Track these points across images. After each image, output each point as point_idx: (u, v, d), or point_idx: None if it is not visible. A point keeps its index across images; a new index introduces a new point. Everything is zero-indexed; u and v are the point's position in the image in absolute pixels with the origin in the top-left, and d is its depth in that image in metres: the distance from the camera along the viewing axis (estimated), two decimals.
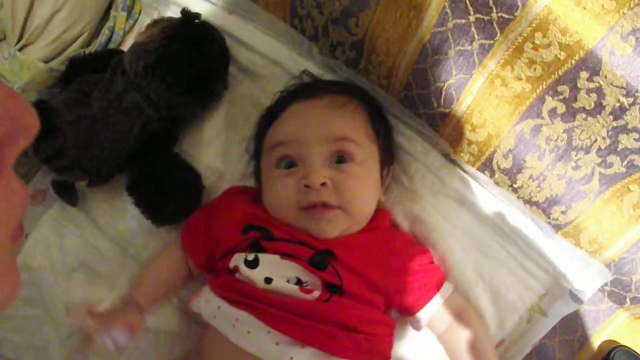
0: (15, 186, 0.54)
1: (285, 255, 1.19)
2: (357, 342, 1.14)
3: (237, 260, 1.21)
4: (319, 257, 1.18)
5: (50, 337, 1.40)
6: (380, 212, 1.34)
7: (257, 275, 1.17)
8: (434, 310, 1.24)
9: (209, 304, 1.20)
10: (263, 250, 1.20)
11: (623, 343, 1.35)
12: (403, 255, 1.25)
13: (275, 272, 1.17)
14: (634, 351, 1.33)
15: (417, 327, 1.28)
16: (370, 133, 1.29)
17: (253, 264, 1.18)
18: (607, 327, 1.36)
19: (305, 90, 1.37)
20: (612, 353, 1.34)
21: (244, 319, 1.13)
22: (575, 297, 1.27)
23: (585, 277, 1.26)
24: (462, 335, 1.23)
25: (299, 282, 1.16)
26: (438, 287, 1.26)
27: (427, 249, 1.32)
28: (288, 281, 1.16)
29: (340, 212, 1.22)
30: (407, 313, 1.26)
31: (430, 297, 1.24)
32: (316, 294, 1.15)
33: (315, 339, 1.11)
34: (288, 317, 1.12)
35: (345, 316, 1.14)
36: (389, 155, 1.36)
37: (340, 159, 1.23)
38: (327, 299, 1.14)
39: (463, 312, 1.25)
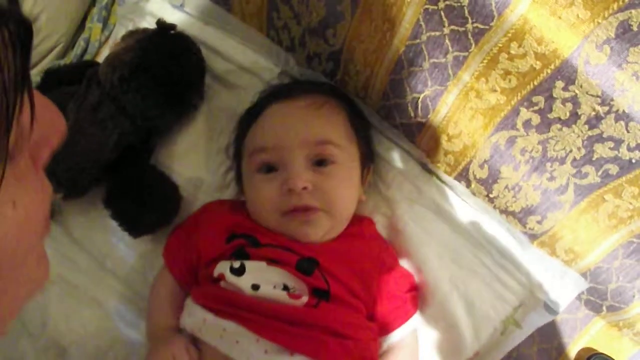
0: (44, 181, 0.60)
1: (271, 261, 1.18)
2: (347, 348, 1.13)
3: (223, 268, 1.19)
4: (305, 262, 1.18)
5: (27, 351, 1.38)
6: (365, 220, 1.35)
7: (244, 282, 1.16)
8: (394, 340, 1.26)
9: (192, 317, 1.19)
10: (248, 257, 1.19)
11: (600, 351, 1.35)
12: (389, 275, 1.26)
13: (262, 278, 1.16)
14: (612, 358, 1.33)
15: None
16: (350, 133, 1.30)
17: (239, 272, 1.17)
18: (585, 335, 1.36)
19: (283, 91, 1.37)
20: None
21: (232, 328, 1.12)
22: (549, 309, 1.27)
23: (561, 286, 1.27)
24: None
25: (285, 288, 1.15)
26: (407, 318, 1.27)
27: (410, 273, 1.33)
28: (275, 287, 1.15)
29: (322, 214, 1.22)
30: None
31: (397, 327, 1.26)
32: (304, 299, 1.14)
33: (305, 346, 1.10)
34: (276, 324, 1.11)
35: (334, 322, 1.14)
36: (369, 154, 1.37)
37: (321, 161, 1.23)
38: (316, 305, 1.14)
39: (406, 347, 1.28)
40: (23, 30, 0.48)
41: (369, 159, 1.36)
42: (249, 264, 1.18)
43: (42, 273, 0.63)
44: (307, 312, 1.14)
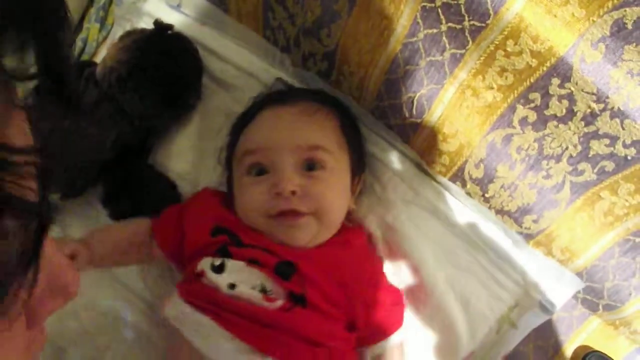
0: (38, 335, 0.55)
1: (251, 262, 1.18)
2: (318, 356, 1.14)
3: (204, 264, 1.19)
4: (283, 266, 1.17)
5: None
6: (354, 230, 1.34)
7: (221, 281, 1.16)
8: (377, 352, 1.26)
9: (175, 308, 1.19)
10: (230, 256, 1.19)
11: (597, 349, 1.35)
12: (373, 288, 1.26)
13: (240, 278, 1.16)
14: (608, 356, 1.33)
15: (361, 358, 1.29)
16: (341, 141, 1.29)
17: (219, 269, 1.17)
18: (581, 333, 1.36)
19: (276, 97, 1.37)
20: (586, 358, 1.34)
21: (207, 324, 1.12)
22: (544, 309, 1.28)
23: (557, 286, 1.28)
24: None
25: (263, 290, 1.15)
26: (392, 331, 1.27)
27: (397, 288, 1.33)
28: (253, 288, 1.15)
29: (311, 218, 1.22)
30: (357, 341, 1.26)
31: (381, 339, 1.26)
32: (279, 303, 1.14)
33: (276, 350, 1.10)
34: (250, 325, 1.11)
35: (306, 328, 1.14)
36: (360, 164, 1.36)
37: (311, 166, 1.23)
38: (289, 309, 1.14)
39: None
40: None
41: (359, 168, 1.36)
42: (229, 263, 1.18)
43: None
44: (279, 315, 1.13)
